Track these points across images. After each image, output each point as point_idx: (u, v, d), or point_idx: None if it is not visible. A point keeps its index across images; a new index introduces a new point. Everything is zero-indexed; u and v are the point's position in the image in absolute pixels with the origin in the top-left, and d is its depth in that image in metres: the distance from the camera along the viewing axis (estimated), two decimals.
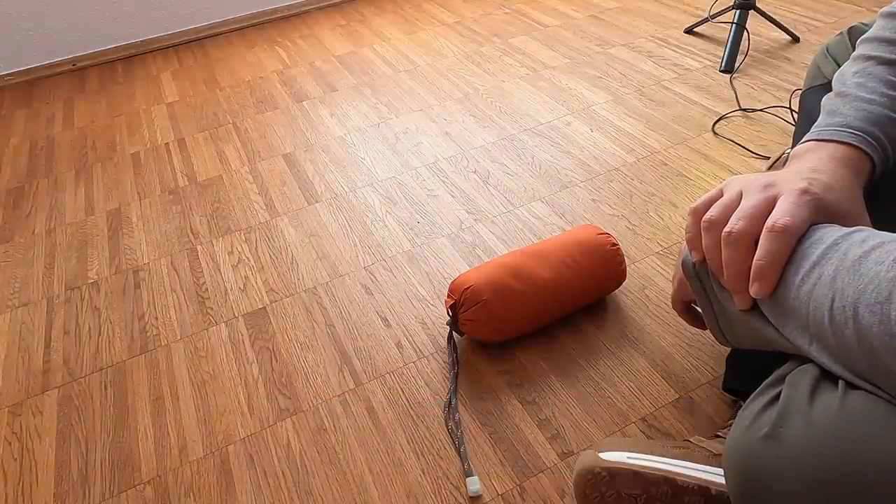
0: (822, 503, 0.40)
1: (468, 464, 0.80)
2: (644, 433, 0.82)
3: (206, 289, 1.13)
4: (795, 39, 1.71)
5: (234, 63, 1.99)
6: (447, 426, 0.85)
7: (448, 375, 0.92)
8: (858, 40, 0.62)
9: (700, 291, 0.57)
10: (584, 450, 0.71)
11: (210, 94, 1.81)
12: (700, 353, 0.91)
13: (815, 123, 0.58)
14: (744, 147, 1.32)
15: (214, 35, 2.21)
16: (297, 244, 1.21)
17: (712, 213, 0.52)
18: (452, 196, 1.29)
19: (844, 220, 0.49)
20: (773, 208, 0.49)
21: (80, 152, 1.60)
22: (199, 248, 1.23)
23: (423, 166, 1.39)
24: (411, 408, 0.89)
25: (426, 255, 1.15)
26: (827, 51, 0.73)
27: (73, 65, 2.07)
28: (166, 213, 1.34)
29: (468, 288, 0.90)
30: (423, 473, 0.80)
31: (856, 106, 0.56)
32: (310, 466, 0.83)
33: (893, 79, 0.56)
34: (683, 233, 1.11)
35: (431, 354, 0.96)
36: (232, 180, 1.42)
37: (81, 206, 1.39)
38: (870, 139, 0.54)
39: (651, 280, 1.04)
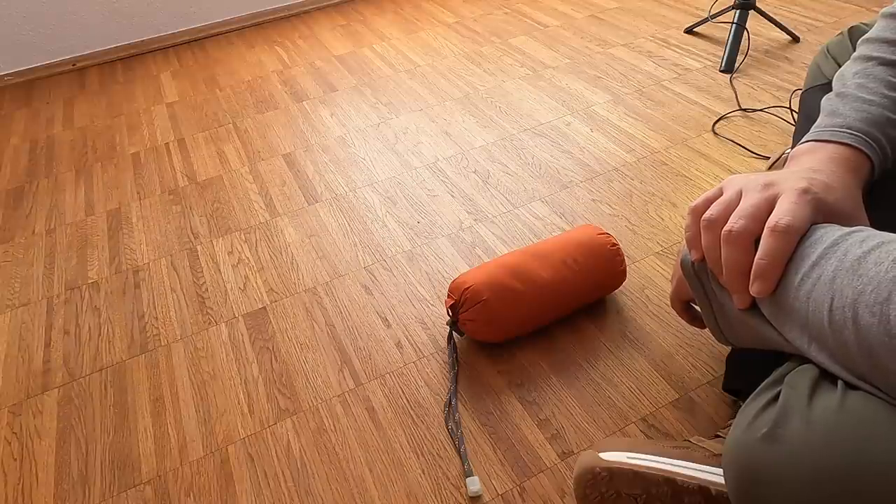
0: (821, 503, 0.40)
1: (468, 464, 0.80)
2: (644, 433, 0.82)
3: (206, 289, 1.13)
4: (795, 39, 1.71)
5: (234, 63, 1.99)
6: (447, 426, 0.85)
7: (448, 375, 0.92)
8: (859, 41, 0.62)
9: (699, 291, 0.57)
10: (584, 450, 0.71)
11: (210, 94, 1.81)
12: (700, 353, 0.91)
13: (815, 124, 0.58)
14: (744, 147, 1.32)
15: (214, 35, 2.21)
16: (297, 244, 1.21)
17: (712, 211, 0.52)
18: (452, 196, 1.29)
19: (844, 220, 0.49)
20: (773, 208, 0.49)
21: (80, 152, 1.60)
22: (199, 248, 1.23)
23: (423, 166, 1.39)
24: (411, 408, 0.89)
25: (426, 255, 1.15)
26: (827, 51, 0.73)
27: (73, 65, 2.07)
28: (166, 213, 1.34)
29: (468, 288, 0.90)
30: (423, 473, 0.80)
31: (856, 107, 0.55)
32: (310, 466, 0.83)
33: (894, 80, 0.56)
34: (683, 232, 1.11)
35: (431, 354, 0.96)
36: (232, 180, 1.42)
37: (81, 206, 1.39)
38: (869, 140, 0.54)
39: (651, 280, 1.04)
